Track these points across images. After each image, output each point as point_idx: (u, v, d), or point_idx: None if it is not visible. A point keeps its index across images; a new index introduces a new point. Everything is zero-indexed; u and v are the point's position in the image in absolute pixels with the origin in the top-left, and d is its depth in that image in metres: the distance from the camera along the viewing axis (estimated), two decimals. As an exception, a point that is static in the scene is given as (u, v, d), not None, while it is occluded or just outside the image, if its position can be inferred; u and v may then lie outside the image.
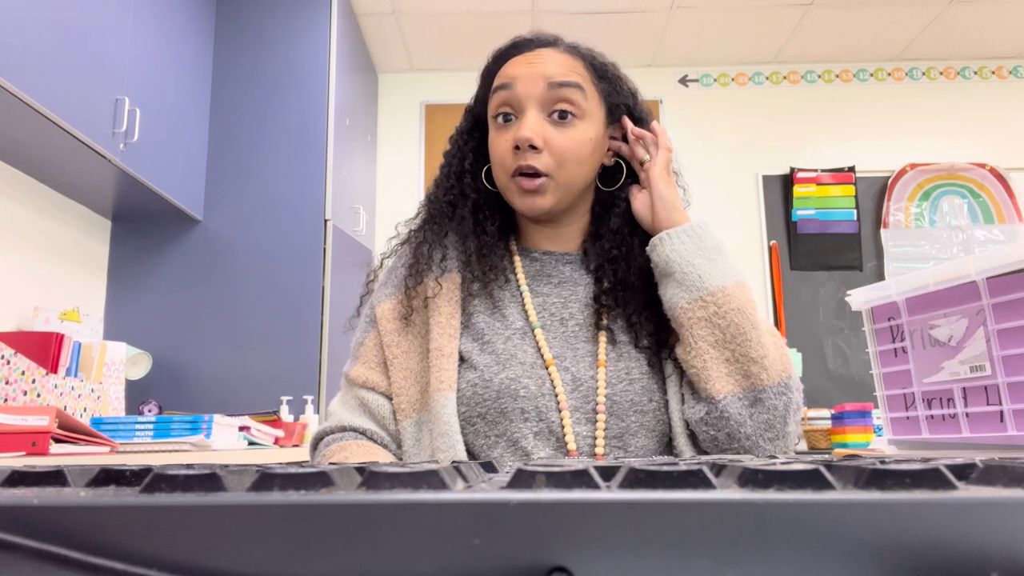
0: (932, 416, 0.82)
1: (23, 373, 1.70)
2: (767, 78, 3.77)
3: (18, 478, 0.30)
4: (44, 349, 1.94)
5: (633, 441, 0.85)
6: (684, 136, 3.64)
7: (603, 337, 0.89)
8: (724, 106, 3.75)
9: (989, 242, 3.56)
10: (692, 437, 0.86)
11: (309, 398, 2.56)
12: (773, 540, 0.21)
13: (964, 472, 0.28)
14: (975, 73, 3.75)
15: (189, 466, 0.30)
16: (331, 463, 0.40)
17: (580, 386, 0.86)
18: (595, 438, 0.84)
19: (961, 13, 3.34)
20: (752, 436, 0.81)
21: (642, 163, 0.93)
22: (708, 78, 3.78)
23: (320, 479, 0.25)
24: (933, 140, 3.67)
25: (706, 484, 0.24)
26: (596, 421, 0.84)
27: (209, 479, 0.25)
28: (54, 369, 1.95)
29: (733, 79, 3.78)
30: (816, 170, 3.63)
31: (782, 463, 0.29)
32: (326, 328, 2.65)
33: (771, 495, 0.21)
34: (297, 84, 2.82)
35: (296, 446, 2.28)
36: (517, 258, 0.96)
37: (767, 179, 3.65)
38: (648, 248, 0.88)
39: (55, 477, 0.30)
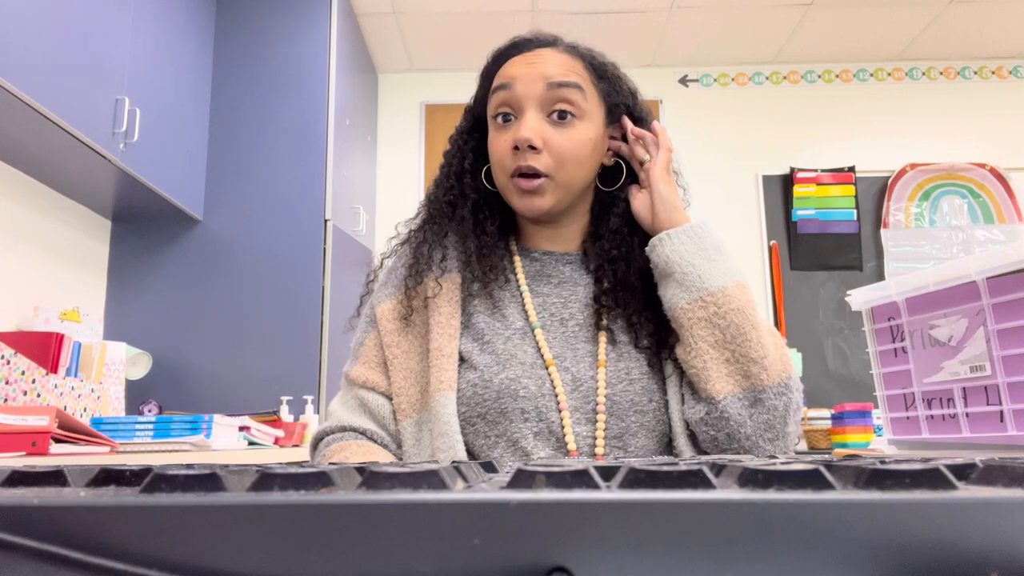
0: (932, 416, 0.82)
1: (23, 373, 1.70)
2: (767, 78, 3.77)
3: (18, 478, 0.30)
4: (44, 349, 1.94)
5: (633, 441, 0.85)
6: (684, 136, 3.64)
7: (603, 337, 0.89)
8: (724, 106, 3.75)
9: (989, 242, 3.57)
10: (692, 437, 0.86)
11: (309, 398, 2.56)
12: (773, 540, 0.21)
13: (964, 472, 0.28)
14: (975, 73, 3.75)
15: (189, 466, 0.30)
16: (331, 463, 0.40)
17: (580, 386, 0.86)
18: (595, 438, 0.84)
19: (961, 13, 3.35)
20: (752, 436, 0.81)
21: (642, 163, 0.93)
22: (708, 78, 3.78)
23: (320, 479, 0.25)
24: (933, 140, 3.67)
25: (706, 484, 0.24)
26: (596, 421, 0.84)
27: (209, 479, 0.25)
28: (54, 369, 1.95)
29: (733, 79, 3.78)
30: (816, 170, 3.63)
31: (782, 463, 0.29)
32: (326, 328, 2.65)
33: (771, 495, 0.21)
34: (297, 84, 2.82)
35: (296, 446, 2.28)
36: (517, 258, 0.96)
37: (767, 179, 3.65)
38: (648, 248, 0.88)
39: (55, 477, 0.30)
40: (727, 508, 0.21)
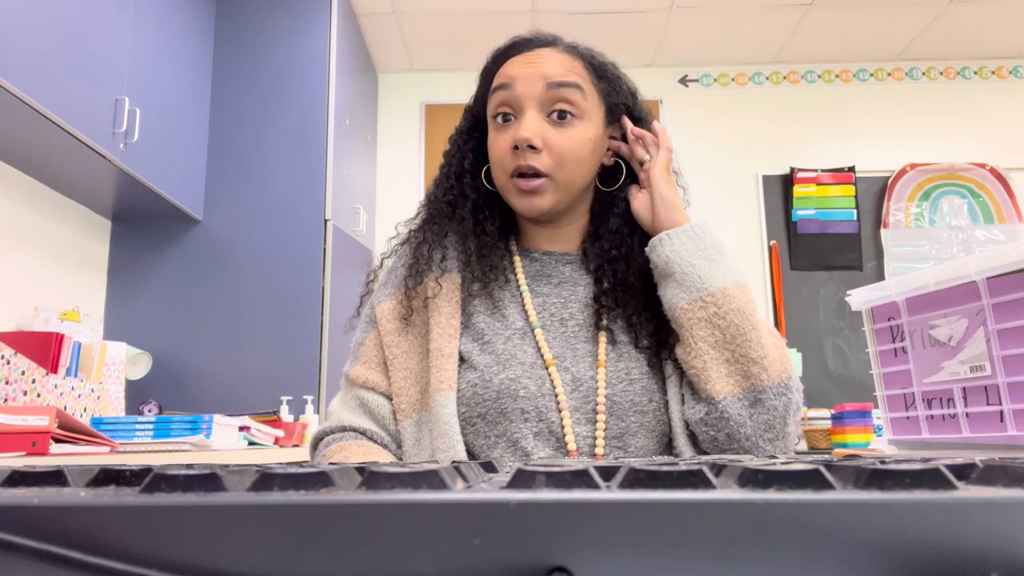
0: (932, 416, 0.82)
1: (23, 373, 1.70)
2: (767, 78, 3.77)
3: (18, 478, 0.30)
4: (44, 349, 1.94)
5: (633, 441, 0.85)
6: (684, 136, 3.64)
7: (603, 337, 0.89)
8: (724, 106, 3.75)
9: (989, 242, 3.57)
10: (692, 437, 0.86)
11: (309, 398, 2.56)
12: (773, 540, 0.21)
13: (964, 472, 0.28)
14: (975, 73, 3.75)
15: (189, 466, 0.30)
16: (331, 463, 0.40)
17: (580, 386, 0.86)
18: (595, 438, 0.84)
19: (961, 13, 3.34)
20: (752, 436, 0.81)
21: (642, 163, 0.93)
22: (708, 78, 3.78)
23: (320, 479, 0.25)
24: (933, 140, 3.67)
25: (706, 484, 0.24)
26: (596, 421, 0.84)
27: (209, 479, 0.25)
28: (54, 369, 1.95)
29: (733, 79, 3.78)
30: (816, 170, 3.63)
31: (782, 463, 0.29)
32: (326, 328, 2.65)
33: (771, 495, 0.21)
34: (297, 84, 2.82)
35: (296, 446, 2.28)
36: (517, 258, 0.96)
37: (767, 179, 3.65)
38: (648, 248, 0.88)
39: (55, 477, 0.30)
40: (727, 508, 0.21)
